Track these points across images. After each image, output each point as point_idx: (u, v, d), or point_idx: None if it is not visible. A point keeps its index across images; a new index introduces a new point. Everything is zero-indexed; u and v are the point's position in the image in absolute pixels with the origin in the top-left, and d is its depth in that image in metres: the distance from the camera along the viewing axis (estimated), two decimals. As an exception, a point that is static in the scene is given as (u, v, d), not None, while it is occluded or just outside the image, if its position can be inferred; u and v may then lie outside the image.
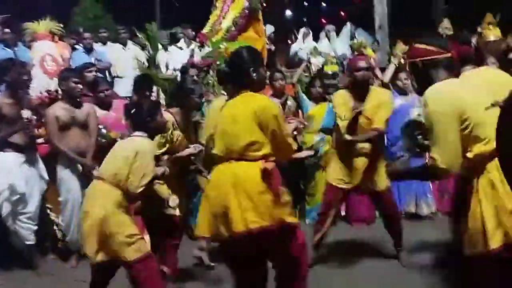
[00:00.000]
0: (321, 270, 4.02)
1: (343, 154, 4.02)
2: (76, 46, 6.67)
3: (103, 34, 7.09)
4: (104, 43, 6.99)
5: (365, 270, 4.07)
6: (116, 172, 3.10)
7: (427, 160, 2.50)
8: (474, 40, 4.85)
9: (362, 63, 3.93)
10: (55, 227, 4.60)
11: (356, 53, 5.12)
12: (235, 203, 2.52)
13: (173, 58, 6.92)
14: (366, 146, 3.96)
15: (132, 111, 3.30)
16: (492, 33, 4.87)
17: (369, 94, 3.97)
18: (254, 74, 2.74)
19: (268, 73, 5.77)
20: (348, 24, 7.75)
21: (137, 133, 3.24)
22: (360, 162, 3.99)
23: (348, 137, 3.80)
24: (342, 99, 4.01)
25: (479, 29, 4.90)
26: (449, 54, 2.50)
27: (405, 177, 3.34)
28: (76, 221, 4.33)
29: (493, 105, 2.18)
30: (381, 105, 3.93)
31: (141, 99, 4.32)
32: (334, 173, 4.07)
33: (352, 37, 7.46)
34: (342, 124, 3.88)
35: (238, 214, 2.50)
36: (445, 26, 5.60)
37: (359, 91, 3.95)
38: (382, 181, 3.94)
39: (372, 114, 3.90)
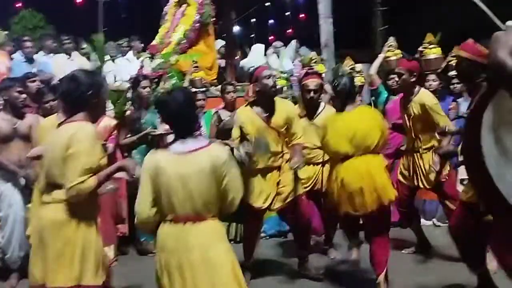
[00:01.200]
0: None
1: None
2: (14, 56, 6.35)
3: (50, 43, 6.71)
4: (48, 53, 6.69)
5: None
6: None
7: None
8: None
9: (267, 71, 3.96)
10: (-8, 245, 4.30)
11: (306, 68, 5.22)
12: (369, 187, 3.50)
13: (121, 69, 6.77)
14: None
15: None
16: (432, 52, 5.12)
17: (276, 105, 3.93)
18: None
19: (219, 86, 5.80)
20: (293, 41, 7.94)
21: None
22: (273, 176, 3.95)
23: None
24: (247, 117, 3.92)
25: (420, 48, 5.16)
26: None
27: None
28: (18, 238, 4.11)
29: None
30: (293, 118, 3.96)
31: None
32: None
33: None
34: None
35: (370, 196, 3.49)
36: (390, 44, 5.81)
37: (267, 101, 3.92)
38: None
39: (282, 127, 3.93)
